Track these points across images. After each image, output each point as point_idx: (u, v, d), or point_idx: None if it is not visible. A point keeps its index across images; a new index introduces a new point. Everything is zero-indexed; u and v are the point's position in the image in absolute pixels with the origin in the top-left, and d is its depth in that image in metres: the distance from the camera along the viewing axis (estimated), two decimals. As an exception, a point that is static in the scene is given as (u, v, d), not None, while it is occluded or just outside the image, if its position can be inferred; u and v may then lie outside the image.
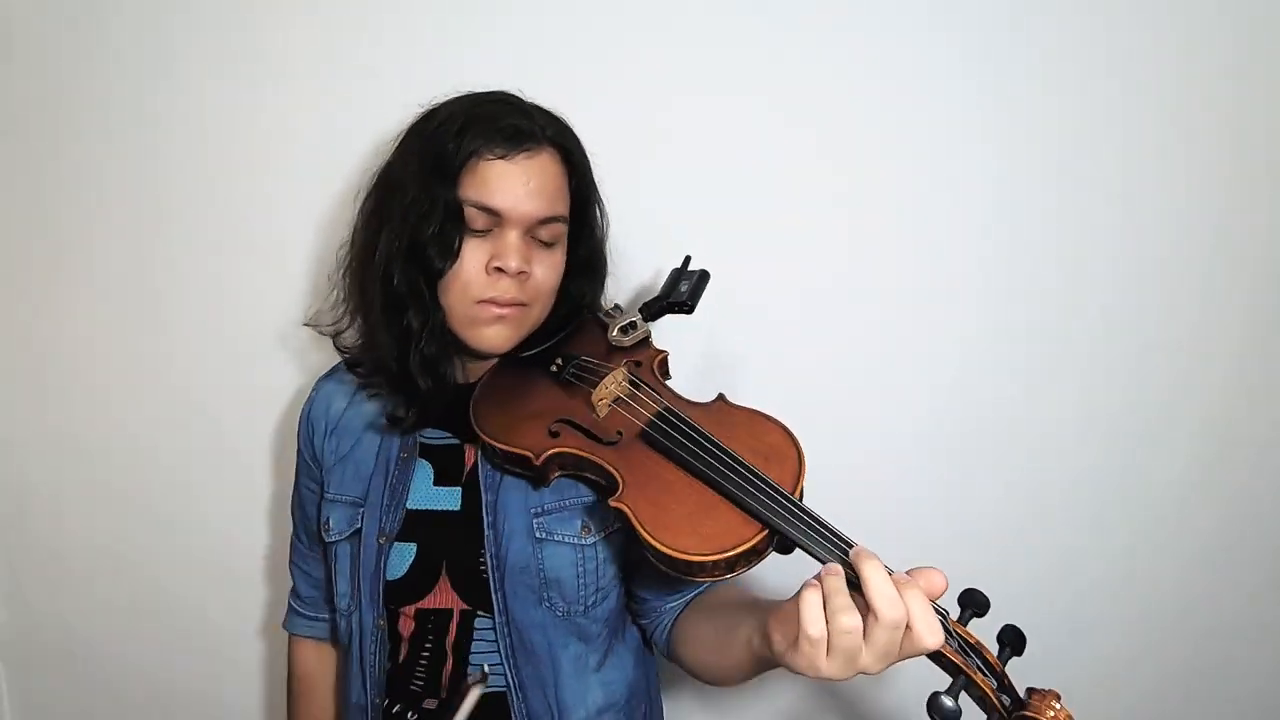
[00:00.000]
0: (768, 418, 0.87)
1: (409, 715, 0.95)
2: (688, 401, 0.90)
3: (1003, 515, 1.32)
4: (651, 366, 0.95)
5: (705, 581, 0.82)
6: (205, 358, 1.31)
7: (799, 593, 0.72)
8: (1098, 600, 1.35)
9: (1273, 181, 1.23)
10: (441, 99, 0.96)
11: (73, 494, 1.41)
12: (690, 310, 0.98)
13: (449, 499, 0.96)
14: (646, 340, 0.98)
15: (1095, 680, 1.36)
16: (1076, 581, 1.34)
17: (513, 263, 0.89)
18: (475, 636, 0.94)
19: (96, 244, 1.30)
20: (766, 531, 0.76)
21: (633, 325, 0.96)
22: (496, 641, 0.93)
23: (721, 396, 0.91)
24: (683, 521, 0.78)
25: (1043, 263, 1.25)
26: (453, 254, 0.89)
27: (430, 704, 0.94)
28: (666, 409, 0.86)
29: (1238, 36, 1.20)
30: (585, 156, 0.98)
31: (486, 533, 0.93)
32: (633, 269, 1.18)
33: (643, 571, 0.96)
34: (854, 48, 1.20)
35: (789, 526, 0.75)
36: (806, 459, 0.82)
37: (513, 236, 0.90)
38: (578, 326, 1.01)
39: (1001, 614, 1.31)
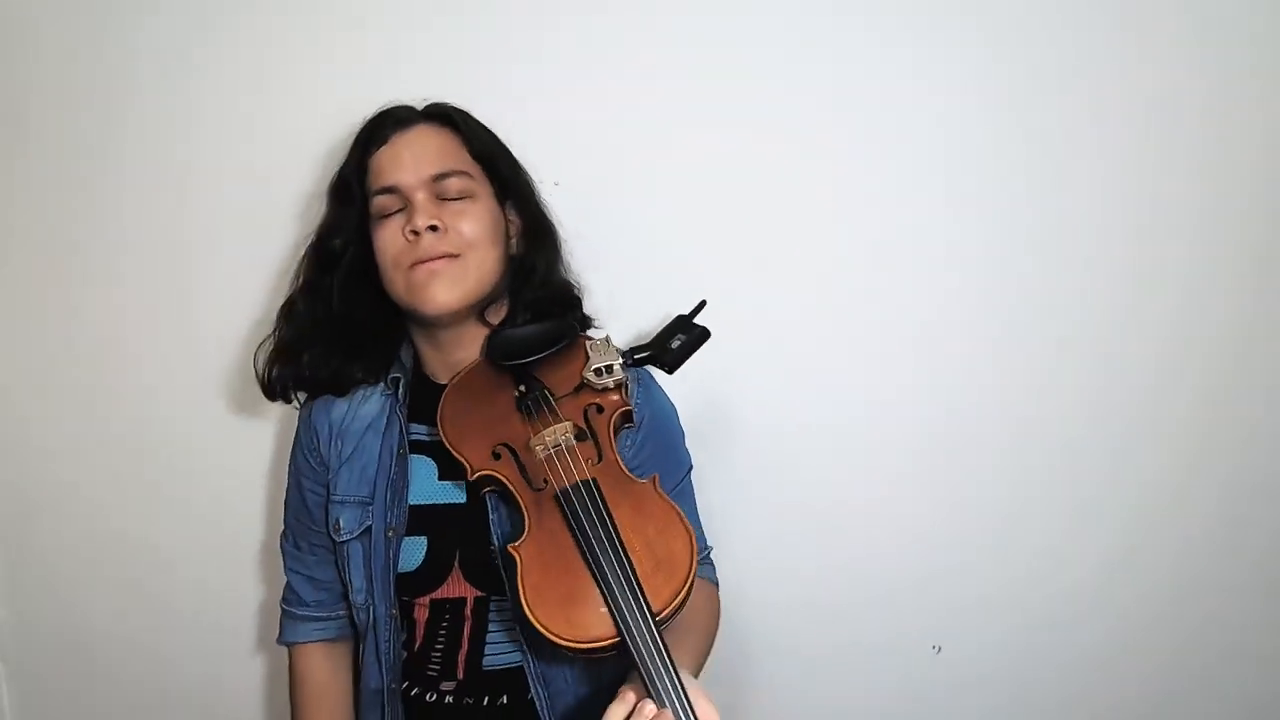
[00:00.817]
0: (683, 523, 0.87)
1: (427, 696, 1.01)
2: (620, 472, 0.91)
3: (993, 511, 1.35)
4: (611, 416, 0.95)
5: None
6: (208, 357, 1.34)
7: (620, 693, 0.81)
8: (1084, 597, 1.37)
9: (1269, 180, 1.25)
10: None
11: (73, 493, 1.41)
12: (669, 373, 0.95)
13: (454, 493, 1.01)
14: (621, 385, 0.97)
15: (1084, 675, 1.40)
16: (1061, 580, 1.37)
17: (419, 220, 0.96)
18: (491, 619, 1.00)
19: (103, 245, 1.34)
20: (618, 640, 0.81)
21: (609, 369, 0.95)
22: (514, 623, 0.98)
23: (655, 480, 0.91)
24: (557, 599, 0.83)
25: (1038, 264, 1.27)
26: (345, 234, 1.01)
27: (448, 686, 1.00)
28: (587, 483, 0.88)
29: (1239, 37, 1.22)
30: (477, 124, 1.05)
31: (492, 519, 0.98)
32: (639, 277, 1.23)
33: None
34: (851, 52, 1.22)
35: (636, 650, 0.79)
36: (694, 580, 0.84)
37: (418, 199, 0.98)
38: (567, 346, 1.00)
39: (1002, 609, 1.38)
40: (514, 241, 1.06)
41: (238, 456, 1.36)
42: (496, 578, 0.96)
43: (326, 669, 1.11)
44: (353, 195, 1.01)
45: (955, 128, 1.24)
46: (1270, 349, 1.30)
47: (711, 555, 1.13)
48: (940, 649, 1.37)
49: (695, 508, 1.10)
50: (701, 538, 1.10)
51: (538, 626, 0.82)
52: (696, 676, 0.96)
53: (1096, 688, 1.39)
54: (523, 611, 0.83)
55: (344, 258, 1.02)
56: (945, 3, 1.21)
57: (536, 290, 1.05)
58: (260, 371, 1.06)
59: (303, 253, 1.08)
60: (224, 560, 1.39)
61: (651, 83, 1.22)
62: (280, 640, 1.13)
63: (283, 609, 1.14)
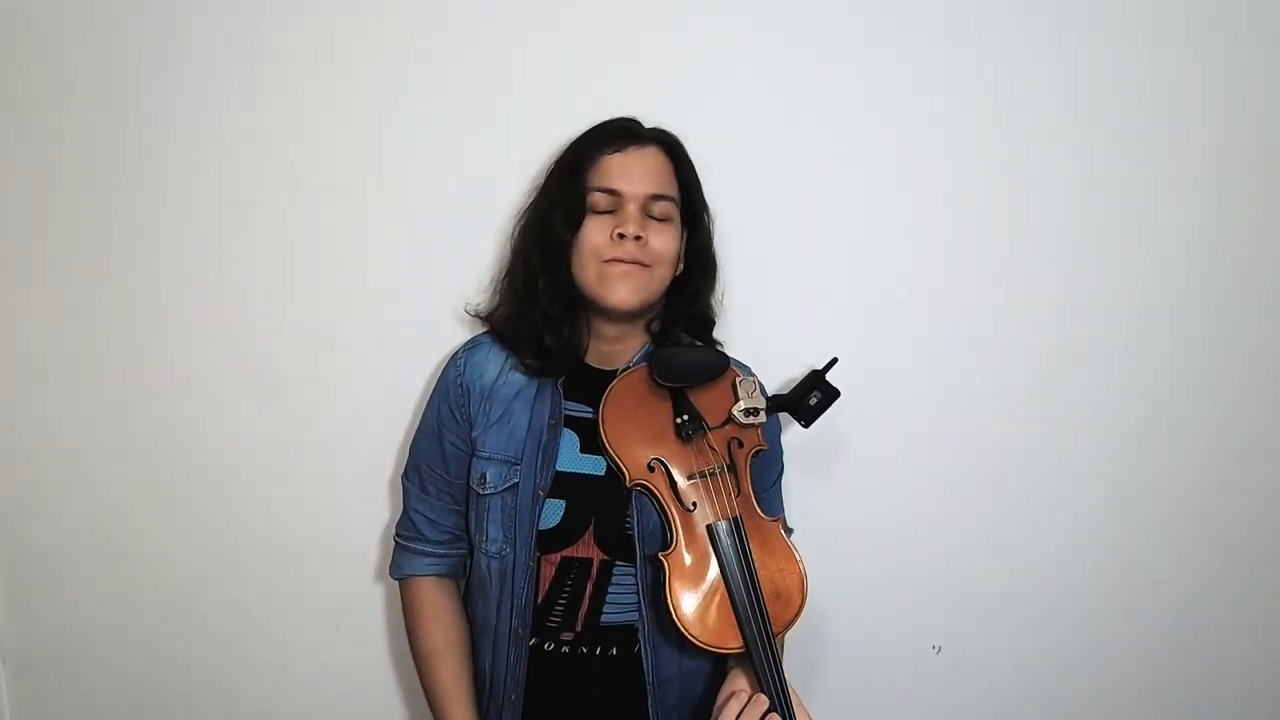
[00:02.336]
0: (798, 563, 1.07)
1: (545, 645, 1.13)
2: (754, 508, 1.08)
3: (993, 512, 1.44)
4: (749, 452, 1.10)
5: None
6: (210, 357, 1.36)
7: (731, 689, 1.02)
8: (1084, 597, 1.48)
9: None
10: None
11: (74, 493, 1.41)
12: (805, 426, 1.10)
13: (595, 465, 1.11)
14: (760, 427, 1.11)
15: (1083, 675, 1.50)
16: (1060, 580, 1.47)
17: (631, 228, 1.09)
18: (612, 581, 1.11)
19: (105, 243, 1.34)
20: (743, 650, 1.01)
21: (755, 412, 1.09)
22: (636, 585, 1.10)
23: (780, 520, 1.09)
24: (696, 606, 1.03)
25: (1057, 276, 1.35)
26: (576, 226, 1.11)
27: (567, 636, 1.12)
28: (735, 521, 1.05)
29: (1240, 43, 1.29)
30: (689, 158, 1.18)
31: (634, 506, 1.09)
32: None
33: None
34: (874, 55, 1.30)
35: (757, 656, 1.01)
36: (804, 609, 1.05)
37: (631, 209, 1.10)
38: (718, 375, 1.12)
39: (1002, 609, 1.48)
40: (680, 264, 1.18)
41: (238, 456, 1.39)
42: (623, 546, 1.10)
43: (438, 595, 1.20)
44: (578, 179, 1.13)
45: (977, 135, 1.32)
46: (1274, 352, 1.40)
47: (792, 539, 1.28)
48: (940, 649, 1.46)
49: (783, 499, 1.27)
50: (786, 525, 1.26)
51: (680, 626, 1.02)
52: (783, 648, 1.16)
53: (1095, 687, 1.48)
54: (667, 610, 1.02)
55: (572, 240, 1.12)
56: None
57: (689, 310, 1.19)
58: (545, 344, 1.14)
59: (524, 226, 1.19)
60: (224, 560, 1.42)
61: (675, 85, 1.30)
62: (395, 573, 1.22)
63: (398, 543, 1.23)
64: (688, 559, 1.04)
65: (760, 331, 1.31)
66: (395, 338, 1.35)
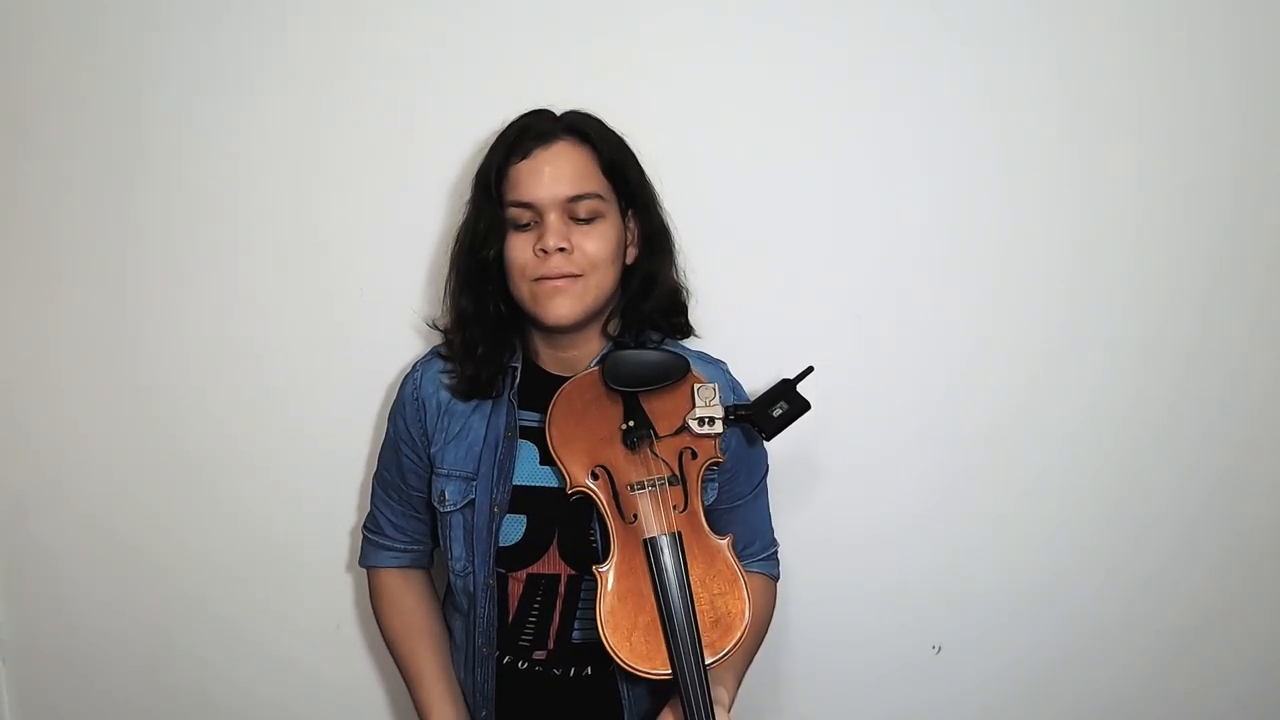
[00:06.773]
0: (745, 588, 0.98)
1: (519, 664, 1.11)
2: (700, 525, 1.00)
3: (993, 511, 1.40)
4: (702, 465, 1.02)
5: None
6: (209, 358, 1.35)
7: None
8: (1084, 597, 1.44)
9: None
10: None
11: (74, 493, 1.41)
12: (767, 440, 1.00)
13: (554, 477, 1.05)
14: (718, 437, 1.03)
15: (1083, 675, 1.47)
16: (1060, 580, 1.43)
17: (550, 241, 1.02)
18: (581, 597, 1.08)
19: (108, 243, 1.34)
20: (671, 678, 0.95)
21: (711, 422, 1.00)
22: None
23: (730, 541, 1.00)
24: (627, 628, 0.96)
25: (1047, 269, 1.32)
26: (498, 244, 1.05)
27: (539, 654, 1.10)
28: (674, 537, 0.97)
29: (1237, 40, 1.26)
30: (613, 138, 1.09)
31: (596, 516, 1.04)
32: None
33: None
34: (862, 49, 1.25)
35: (685, 686, 0.94)
36: (745, 636, 0.98)
37: (551, 219, 1.03)
38: (675, 379, 1.04)
39: (1002, 609, 1.44)
40: (630, 250, 1.12)
41: (240, 456, 1.39)
42: (590, 558, 1.04)
43: (400, 586, 1.20)
44: (491, 196, 1.06)
45: (967, 129, 1.28)
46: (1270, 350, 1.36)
47: (777, 553, 1.24)
48: (940, 649, 1.43)
49: (768, 506, 1.21)
50: (770, 534, 1.23)
51: (606, 645, 0.95)
52: (745, 670, 1.13)
53: (1095, 687, 1.46)
54: (596, 627, 0.96)
55: (496, 262, 1.07)
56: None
57: (652, 303, 1.11)
58: (463, 371, 1.11)
59: (455, 242, 1.13)
60: (223, 561, 1.42)
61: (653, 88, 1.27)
62: (362, 562, 1.24)
63: (365, 535, 1.23)
64: (624, 574, 0.97)
65: (745, 330, 1.26)
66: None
